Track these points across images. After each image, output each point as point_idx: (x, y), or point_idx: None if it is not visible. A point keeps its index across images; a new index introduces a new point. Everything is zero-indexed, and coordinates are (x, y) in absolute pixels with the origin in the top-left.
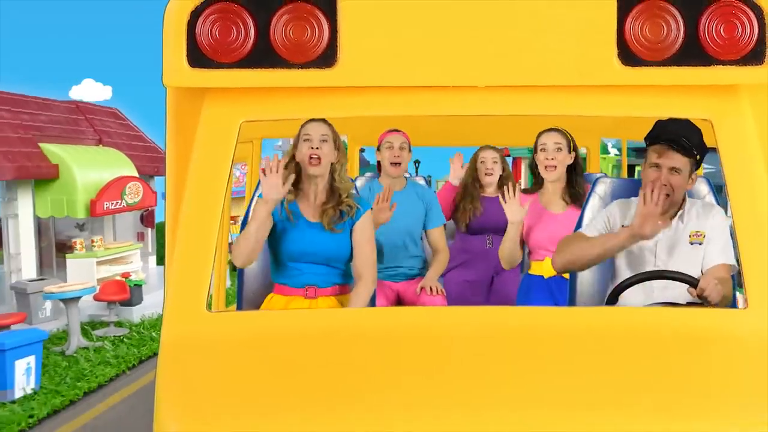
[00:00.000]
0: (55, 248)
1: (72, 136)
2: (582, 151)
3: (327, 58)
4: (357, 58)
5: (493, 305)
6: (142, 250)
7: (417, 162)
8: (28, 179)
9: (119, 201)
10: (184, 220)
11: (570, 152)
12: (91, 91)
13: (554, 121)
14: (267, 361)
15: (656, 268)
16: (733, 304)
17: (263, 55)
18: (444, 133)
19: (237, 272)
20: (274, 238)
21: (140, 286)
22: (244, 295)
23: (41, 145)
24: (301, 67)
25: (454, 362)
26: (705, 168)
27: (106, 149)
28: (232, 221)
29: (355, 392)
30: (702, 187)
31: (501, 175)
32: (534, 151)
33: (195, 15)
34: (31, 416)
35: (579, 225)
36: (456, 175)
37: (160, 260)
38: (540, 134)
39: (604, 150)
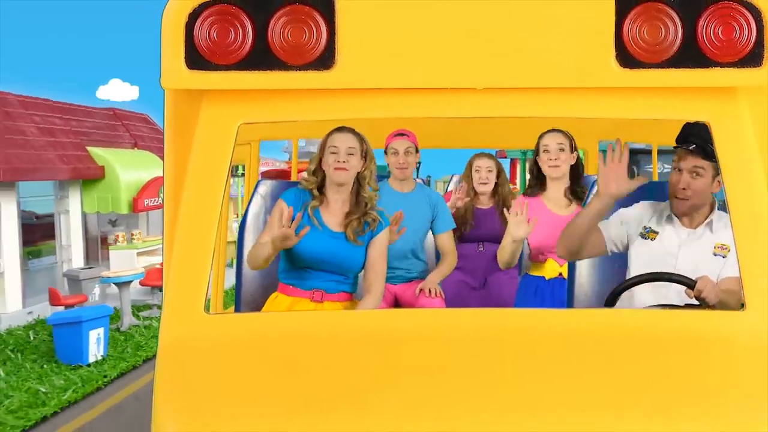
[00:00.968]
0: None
1: (112, 141)
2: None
3: (325, 60)
4: (355, 60)
5: (487, 306)
6: None
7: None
8: (78, 179)
9: (156, 198)
10: (182, 222)
11: (572, 152)
12: (118, 91)
13: (553, 123)
14: (265, 363)
15: (676, 270)
16: None
17: (261, 57)
18: (443, 134)
19: (236, 274)
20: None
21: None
22: (242, 297)
23: (88, 148)
24: (299, 69)
25: (453, 364)
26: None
27: (142, 152)
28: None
29: (353, 394)
30: None
31: (496, 182)
32: (536, 153)
33: (193, 17)
34: (104, 376)
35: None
36: (459, 203)
37: None
38: (541, 136)
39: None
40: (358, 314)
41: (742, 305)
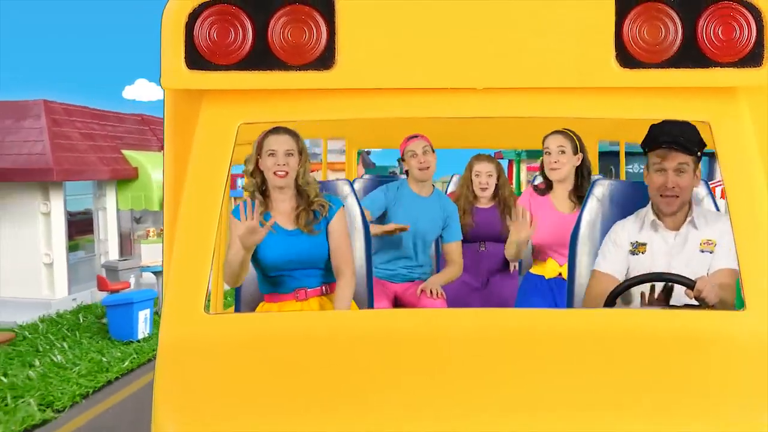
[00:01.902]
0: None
1: (142, 144)
2: None
3: (325, 60)
4: (355, 60)
5: (488, 306)
6: None
7: None
8: (115, 179)
9: None
10: (183, 222)
11: (576, 153)
12: (144, 90)
13: (553, 123)
14: (264, 363)
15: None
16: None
17: (261, 57)
18: (443, 134)
19: None
20: (257, 254)
21: None
22: (242, 298)
23: (123, 151)
24: (299, 69)
25: (454, 364)
26: (629, 169)
27: None
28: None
29: (353, 394)
30: (700, 190)
31: (497, 185)
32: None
33: (193, 17)
34: (153, 350)
35: (577, 225)
36: None
37: None
38: (545, 137)
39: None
40: (358, 314)
41: (743, 305)
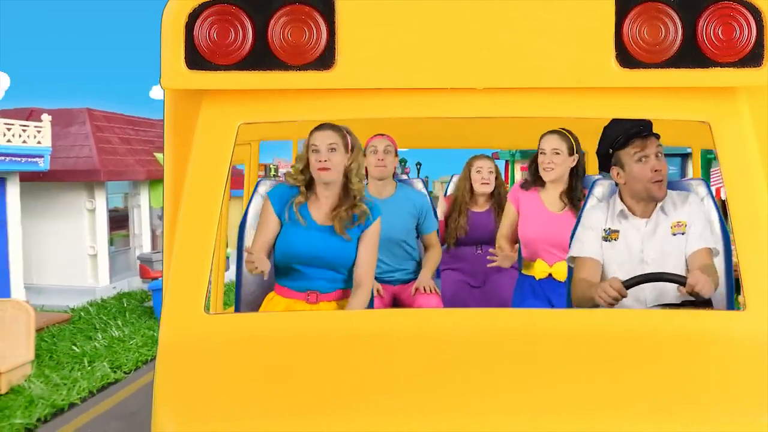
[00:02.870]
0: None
1: None
2: None
3: (325, 60)
4: (355, 60)
5: (487, 306)
6: None
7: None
8: (148, 179)
9: None
10: (182, 222)
11: (572, 154)
12: None
13: (553, 123)
14: (264, 363)
15: (645, 264)
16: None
17: (261, 57)
18: (442, 134)
19: (236, 274)
20: (283, 240)
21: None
22: (242, 297)
23: (155, 154)
24: (299, 69)
25: (451, 364)
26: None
27: None
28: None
29: (352, 394)
30: (700, 189)
31: (495, 184)
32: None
33: (193, 17)
34: None
35: (577, 225)
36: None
37: None
38: (541, 137)
39: None
40: (358, 314)
41: (743, 304)
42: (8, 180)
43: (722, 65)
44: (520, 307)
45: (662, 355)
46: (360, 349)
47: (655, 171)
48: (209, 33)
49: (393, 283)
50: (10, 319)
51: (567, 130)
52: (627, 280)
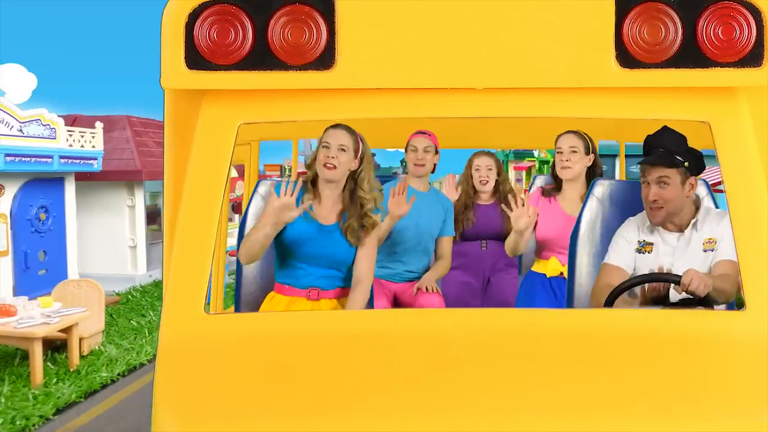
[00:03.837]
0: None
1: None
2: None
3: (325, 60)
4: (355, 60)
5: (489, 306)
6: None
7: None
8: None
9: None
10: (182, 222)
11: (588, 154)
12: None
13: (553, 123)
14: (264, 363)
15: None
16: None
17: (261, 57)
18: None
19: (236, 274)
20: (284, 237)
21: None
22: (242, 297)
23: None
24: (299, 69)
25: (452, 364)
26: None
27: None
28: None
29: (353, 395)
30: (700, 189)
31: (497, 180)
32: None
33: (193, 17)
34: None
35: (578, 225)
36: (450, 196)
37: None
38: (558, 137)
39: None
40: (358, 314)
41: (743, 304)
42: (66, 179)
43: (722, 65)
44: (527, 303)
45: (662, 355)
46: (360, 349)
47: (651, 200)
48: (209, 33)
49: (395, 279)
50: (86, 295)
51: (582, 131)
52: (622, 283)
